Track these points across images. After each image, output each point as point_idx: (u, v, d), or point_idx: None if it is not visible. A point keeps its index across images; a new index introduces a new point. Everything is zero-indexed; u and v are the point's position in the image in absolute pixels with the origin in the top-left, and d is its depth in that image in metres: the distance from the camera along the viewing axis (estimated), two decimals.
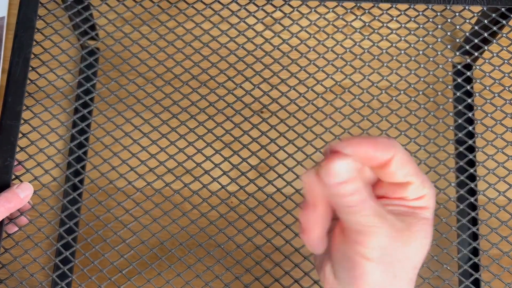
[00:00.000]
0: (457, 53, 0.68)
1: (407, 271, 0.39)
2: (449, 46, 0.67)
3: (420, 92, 0.67)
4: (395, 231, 0.37)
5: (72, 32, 0.69)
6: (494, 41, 0.68)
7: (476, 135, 0.65)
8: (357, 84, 0.67)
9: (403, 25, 0.67)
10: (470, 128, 0.65)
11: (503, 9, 0.67)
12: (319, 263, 0.42)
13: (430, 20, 0.68)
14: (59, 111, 0.65)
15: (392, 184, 0.39)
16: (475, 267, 0.64)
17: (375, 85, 0.66)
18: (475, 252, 0.76)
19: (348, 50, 0.67)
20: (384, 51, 0.67)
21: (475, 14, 0.69)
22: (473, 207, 0.68)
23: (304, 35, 0.69)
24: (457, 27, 0.67)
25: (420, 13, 0.67)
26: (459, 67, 0.68)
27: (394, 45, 0.66)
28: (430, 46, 0.67)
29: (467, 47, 0.67)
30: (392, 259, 0.38)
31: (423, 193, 0.39)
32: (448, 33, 0.68)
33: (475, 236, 0.75)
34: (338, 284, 0.40)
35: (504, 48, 0.67)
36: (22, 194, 0.57)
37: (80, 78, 0.66)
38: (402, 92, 0.66)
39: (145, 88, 0.67)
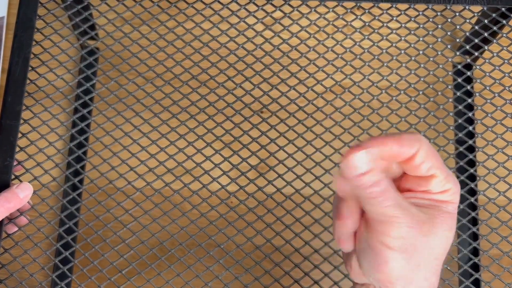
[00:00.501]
0: (457, 53, 0.68)
1: (430, 261, 0.40)
2: (449, 46, 0.67)
3: (420, 92, 0.67)
4: (416, 222, 0.39)
5: (71, 32, 0.69)
6: (494, 41, 0.68)
7: (476, 135, 0.65)
8: (357, 84, 0.66)
9: (403, 25, 0.67)
10: (470, 128, 0.65)
11: (503, 9, 0.67)
12: (346, 255, 0.44)
13: (430, 20, 0.68)
14: (58, 111, 0.65)
15: (417, 177, 0.40)
16: (475, 267, 0.64)
17: (375, 85, 0.66)
18: (475, 252, 0.76)
19: (348, 50, 0.67)
20: (384, 51, 0.67)
21: (475, 14, 0.69)
22: (473, 207, 0.68)
23: (304, 35, 0.69)
24: (457, 27, 0.67)
25: (420, 13, 0.67)
26: (459, 67, 0.67)
27: (394, 45, 0.66)
28: (430, 46, 0.67)
29: (467, 47, 0.67)
30: (413, 248, 0.39)
31: (447, 187, 0.40)
32: (448, 33, 0.68)
33: (475, 236, 0.75)
34: (363, 274, 0.42)
35: (504, 48, 0.67)
36: (21, 194, 0.57)
37: (80, 78, 0.66)
38: (402, 92, 0.66)
39: (144, 88, 0.67)
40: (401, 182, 0.42)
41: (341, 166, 0.38)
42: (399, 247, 0.39)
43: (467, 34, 0.68)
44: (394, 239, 0.39)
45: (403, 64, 0.67)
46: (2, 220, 0.57)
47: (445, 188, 0.40)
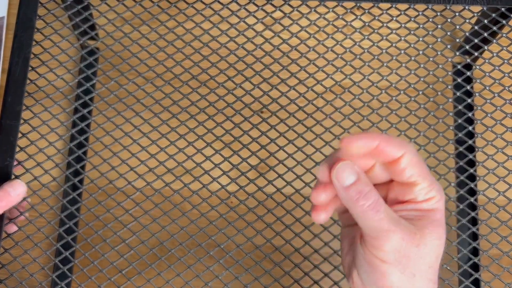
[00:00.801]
0: (457, 53, 0.68)
1: (424, 270, 0.41)
2: (449, 46, 0.67)
3: (420, 92, 0.67)
4: (408, 233, 0.40)
5: (71, 32, 0.69)
6: (494, 41, 0.68)
7: (476, 135, 0.65)
8: (357, 84, 0.66)
9: (403, 25, 0.67)
10: (470, 128, 0.65)
11: (503, 9, 0.67)
12: (348, 270, 0.44)
13: (430, 20, 0.68)
14: (58, 111, 0.65)
15: (401, 185, 0.41)
16: (475, 267, 0.64)
17: (375, 85, 0.66)
18: (475, 252, 0.76)
19: (348, 50, 0.67)
20: (384, 51, 0.67)
21: (475, 14, 0.69)
22: (473, 207, 0.68)
23: (304, 35, 0.69)
24: (457, 27, 0.67)
25: (420, 13, 0.67)
26: (459, 67, 0.67)
27: (394, 45, 0.66)
28: (430, 46, 0.67)
29: (467, 47, 0.67)
30: (407, 260, 0.40)
31: (431, 195, 0.41)
32: (448, 33, 0.68)
33: (475, 236, 0.75)
34: None
35: (504, 48, 0.67)
36: (13, 192, 0.56)
37: (80, 78, 0.66)
38: (402, 92, 0.66)
39: (144, 88, 0.67)
40: (387, 191, 0.43)
41: (332, 176, 0.40)
42: (394, 260, 0.40)
43: (467, 34, 0.68)
44: (388, 253, 0.39)
45: (403, 64, 0.67)
46: (2, 220, 0.57)
47: (429, 196, 0.41)
